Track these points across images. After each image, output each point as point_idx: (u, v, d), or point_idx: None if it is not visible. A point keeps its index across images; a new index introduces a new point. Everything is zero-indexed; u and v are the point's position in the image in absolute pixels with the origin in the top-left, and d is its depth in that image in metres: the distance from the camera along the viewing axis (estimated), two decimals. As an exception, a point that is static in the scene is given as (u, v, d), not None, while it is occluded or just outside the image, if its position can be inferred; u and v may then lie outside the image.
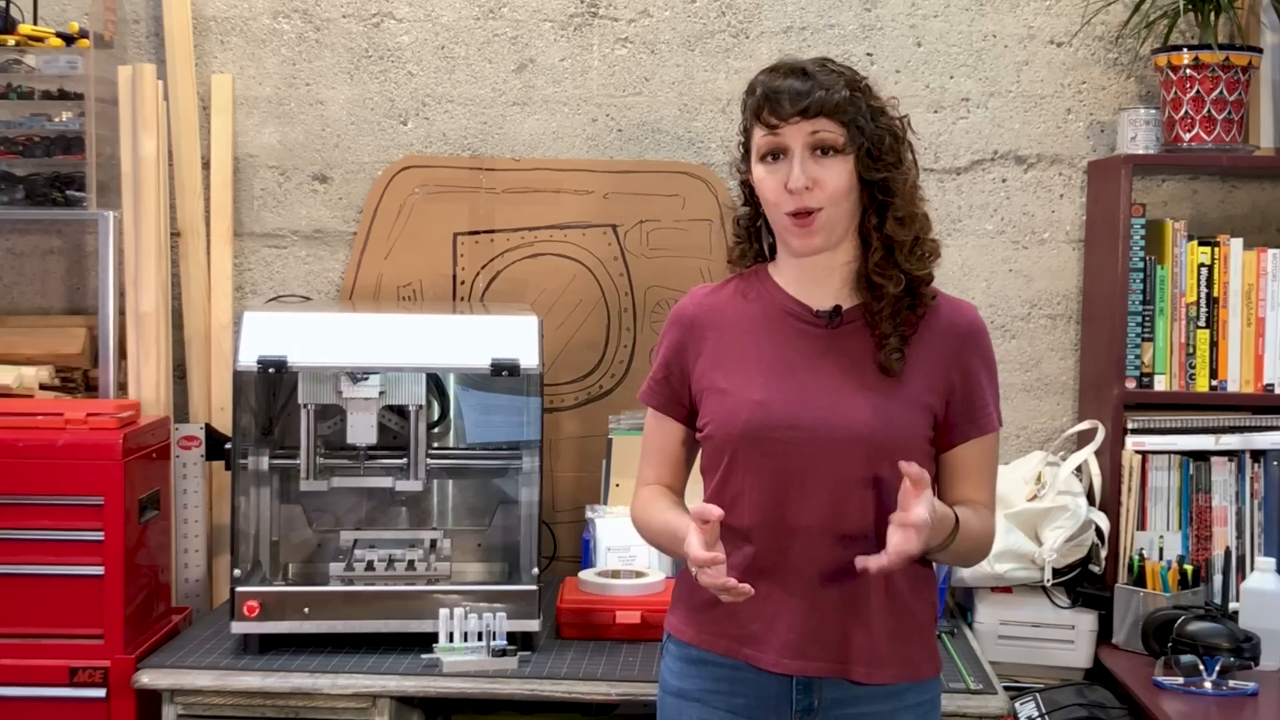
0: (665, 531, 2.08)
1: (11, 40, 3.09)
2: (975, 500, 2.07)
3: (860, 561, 1.88)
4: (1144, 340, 3.04)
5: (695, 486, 2.14)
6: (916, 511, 1.85)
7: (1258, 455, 3.05)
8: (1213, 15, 3.00)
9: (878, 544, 1.98)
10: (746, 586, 1.88)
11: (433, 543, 2.95)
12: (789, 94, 1.96)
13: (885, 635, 2.01)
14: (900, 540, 1.85)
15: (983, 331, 2.09)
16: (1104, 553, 2.99)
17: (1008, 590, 3.02)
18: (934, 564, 2.10)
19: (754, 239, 2.13)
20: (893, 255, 2.01)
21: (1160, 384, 3.04)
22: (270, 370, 2.69)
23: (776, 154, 1.99)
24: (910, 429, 2.01)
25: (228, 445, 2.83)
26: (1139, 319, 3.04)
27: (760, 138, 2.00)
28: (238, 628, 2.69)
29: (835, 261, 2.04)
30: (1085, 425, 3.13)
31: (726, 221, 3.23)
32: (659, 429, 2.15)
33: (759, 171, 2.01)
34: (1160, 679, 2.73)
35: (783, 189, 1.97)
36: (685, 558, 1.94)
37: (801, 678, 2.01)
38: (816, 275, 2.05)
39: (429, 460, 2.90)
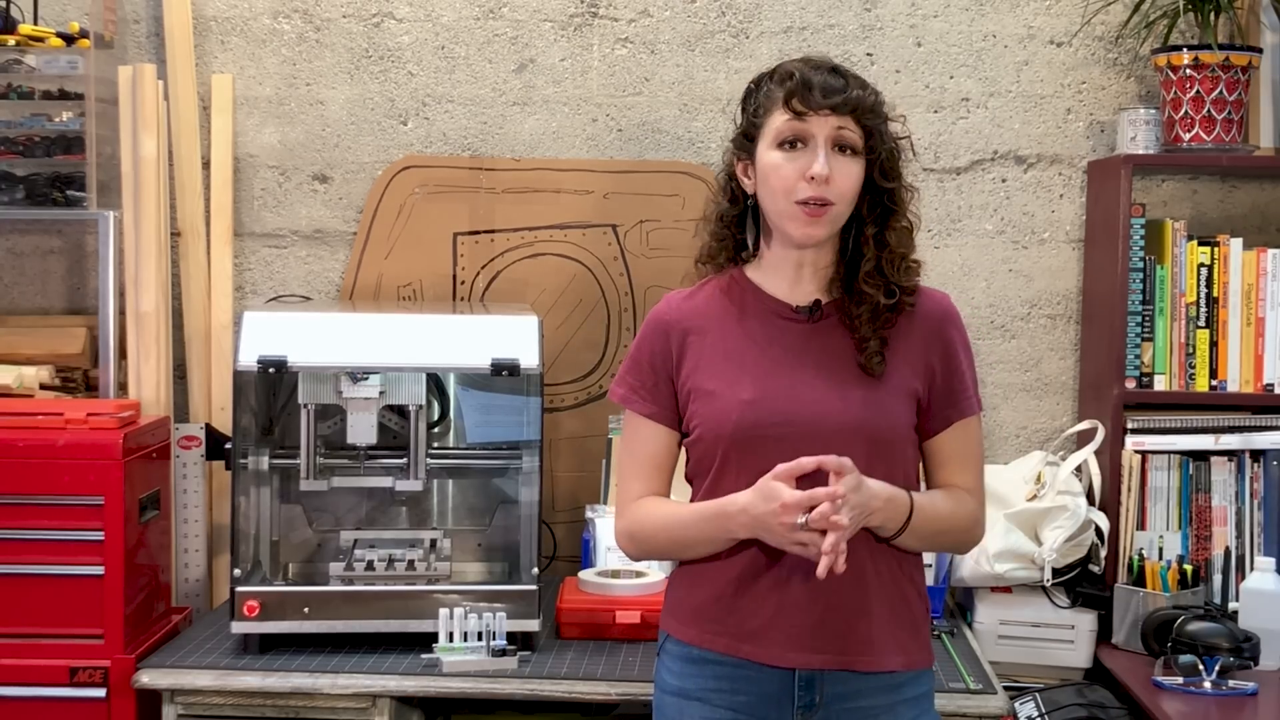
0: (697, 517, 2.04)
1: (12, 40, 3.09)
2: (959, 485, 2.09)
3: (821, 569, 1.89)
4: (1144, 340, 3.05)
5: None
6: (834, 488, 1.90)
7: (1257, 455, 3.05)
8: (1213, 15, 3.00)
9: (873, 534, 2.00)
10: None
11: (433, 543, 2.95)
12: (822, 86, 1.99)
13: (886, 624, 2.02)
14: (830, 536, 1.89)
15: (957, 317, 2.12)
16: (1104, 553, 2.99)
17: (1007, 590, 3.02)
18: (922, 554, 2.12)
19: (735, 238, 2.13)
20: (882, 267, 2.03)
21: (1160, 384, 3.04)
22: (270, 370, 2.69)
23: (796, 141, 2.00)
24: (899, 418, 2.04)
25: (228, 445, 2.83)
26: (1139, 319, 3.04)
27: (783, 122, 2.01)
28: (238, 628, 2.69)
29: (820, 263, 2.07)
30: (1085, 425, 3.13)
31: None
32: (649, 437, 2.12)
33: (774, 157, 2.01)
34: (1160, 679, 2.74)
35: (800, 176, 1.98)
36: (759, 520, 1.94)
37: (804, 673, 2.01)
38: (802, 275, 2.07)
39: (429, 460, 2.90)
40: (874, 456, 1.99)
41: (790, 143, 2.00)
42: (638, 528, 2.11)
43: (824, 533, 1.89)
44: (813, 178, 1.97)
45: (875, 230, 2.03)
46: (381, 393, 2.78)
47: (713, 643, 2.05)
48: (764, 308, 2.08)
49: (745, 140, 2.07)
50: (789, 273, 2.08)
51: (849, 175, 2.00)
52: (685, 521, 2.06)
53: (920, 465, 2.11)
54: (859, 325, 2.03)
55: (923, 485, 2.13)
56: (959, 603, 3.12)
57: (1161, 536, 3.02)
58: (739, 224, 2.12)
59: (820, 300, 2.07)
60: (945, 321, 2.10)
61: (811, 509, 1.89)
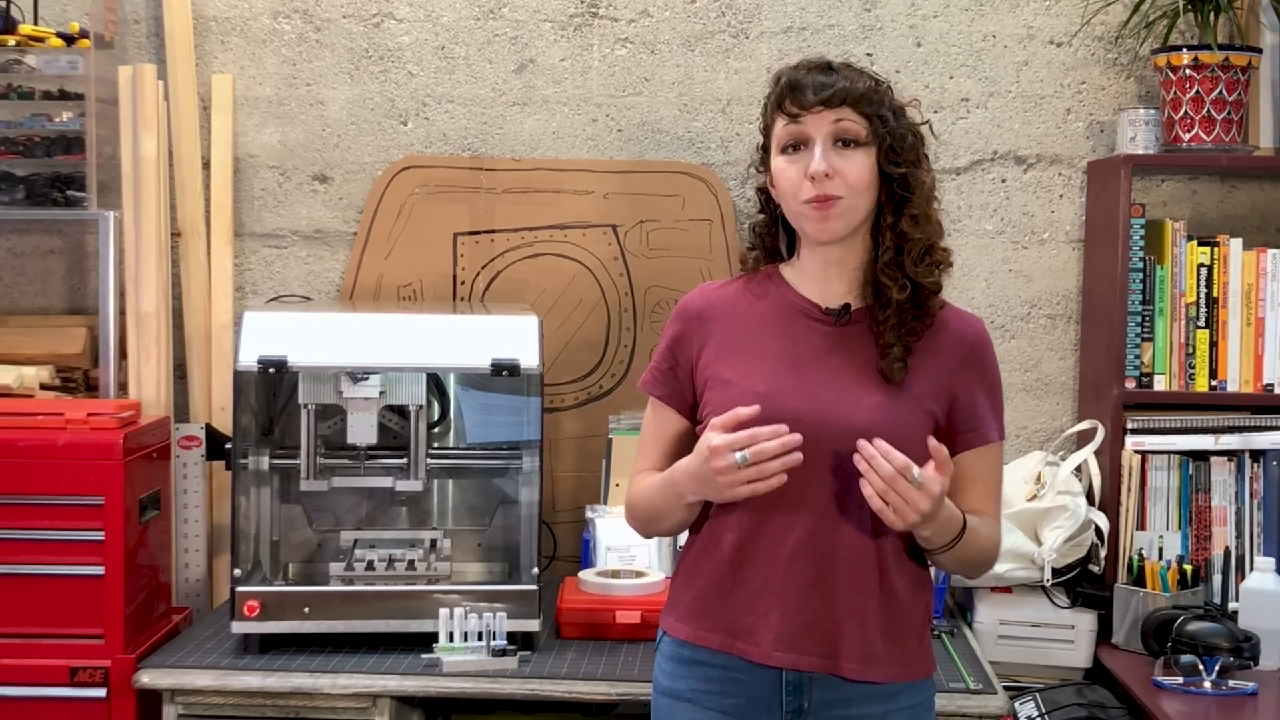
0: (659, 483, 2.06)
1: (12, 40, 3.09)
2: (981, 510, 2.07)
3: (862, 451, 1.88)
4: (1143, 340, 3.05)
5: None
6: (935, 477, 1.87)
7: (1257, 455, 3.05)
8: (1212, 15, 3.00)
9: (874, 542, 1.99)
10: (796, 436, 1.88)
11: (433, 543, 2.95)
12: (813, 84, 1.98)
13: (879, 634, 2.00)
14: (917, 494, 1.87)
15: (988, 345, 2.10)
16: (1103, 552, 3.00)
17: (1007, 590, 3.02)
18: (931, 568, 2.10)
19: (768, 247, 2.13)
20: (902, 257, 2.01)
21: (1160, 384, 3.05)
22: (270, 370, 2.69)
23: (798, 145, 2.00)
24: (913, 429, 2.00)
25: (228, 445, 2.84)
26: (1138, 319, 3.04)
27: (782, 128, 2.01)
28: (238, 628, 2.69)
29: (849, 263, 2.05)
30: (1085, 425, 3.13)
31: (727, 222, 3.26)
32: (661, 419, 2.14)
33: (779, 163, 2.01)
34: (1160, 679, 2.74)
35: (802, 177, 1.97)
36: (695, 474, 1.94)
37: (792, 675, 2.00)
38: (830, 274, 2.06)
39: (429, 460, 2.90)
40: None
41: (793, 146, 2.00)
42: (630, 499, 2.15)
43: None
44: (812, 177, 1.97)
45: (892, 220, 2.01)
46: (381, 393, 2.78)
47: (705, 639, 2.04)
48: (793, 306, 2.07)
49: (763, 152, 2.08)
50: (819, 272, 2.06)
51: (854, 166, 1.98)
52: (653, 489, 2.08)
53: None
54: (884, 331, 2.01)
55: None
56: (959, 603, 3.12)
57: (1161, 536, 3.03)
58: (772, 233, 2.12)
59: (850, 304, 2.05)
60: (975, 348, 2.07)
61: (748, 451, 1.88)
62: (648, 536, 2.25)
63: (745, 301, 2.10)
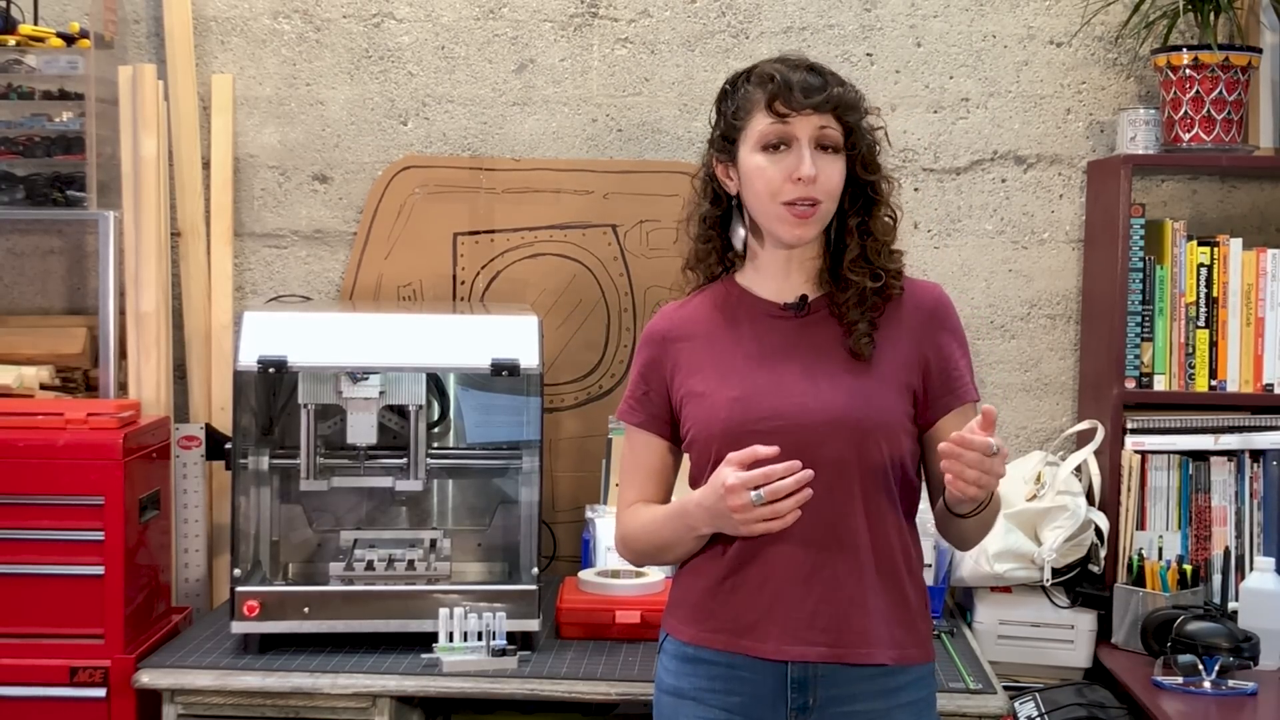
0: (665, 516, 2.06)
1: (12, 40, 3.09)
2: None
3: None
4: (1143, 340, 3.05)
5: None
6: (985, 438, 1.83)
7: (1257, 455, 3.05)
8: (1212, 15, 3.00)
9: (867, 526, 2.00)
10: (808, 472, 1.88)
11: (433, 542, 2.95)
12: (803, 86, 1.99)
13: (882, 616, 2.01)
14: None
15: (949, 306, 2.12)
16: (1103, 552, 3.00)
17: (1007, 590, 3.02)
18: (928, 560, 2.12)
19: (720, 238, 2.13)
20: (866, 253, 2.05)
21: (1160, 384, 3.05)
22: (270, 370, 2.69)
23: (779, 144, 2.01)
24: (891, 409, 2.03)
25: (228, 445, 2.84)
26: (1138, 319, 3.04)
27: (767, 125, 2.01)
28: (238, 628, 2.69)
29: (806, 254, 2.08)
30: (1085, 425, 3.13)
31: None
32: (642, 446, 2.14)
33: (758, 160, 2.02)
34: (1159, 679, 2.74)
35: (786, 178, 1.99)
36: (712, 504, 1.94)
37: (797, 670, 2.01)
38: (786, 270, 2.08)
39: (429, 460, 2.90)
40: (865, 446, 1.99)
41: (774, 145, 2.01)
42: (625, 533, 2.15)
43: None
44: (799, 179, 1.98)
45: (859, 221, 2.06)
46: (381, 393, 2.78)
47: (710, 640, 2.05)
48: (754, 310, 2.09)
49: (725, 142, 2.08)
50: (778, 269, 2.09)
51: (833, 173, 2.01)
52: (658, 523, 2.09)
53: (918, 458, 2.10)
54: (847, 311, 2.04)
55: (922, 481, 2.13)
56: (959, 603, 3.12)
57: (1161, 536, 3.03)
58: (723, 225, 2.13)
59: (807, 296, 2.08)
60: (936, 311, 2.10)
61: (761, 488, 1.88)
62: (639, 565, 2.24)
63: (707, 316, 2.12)
